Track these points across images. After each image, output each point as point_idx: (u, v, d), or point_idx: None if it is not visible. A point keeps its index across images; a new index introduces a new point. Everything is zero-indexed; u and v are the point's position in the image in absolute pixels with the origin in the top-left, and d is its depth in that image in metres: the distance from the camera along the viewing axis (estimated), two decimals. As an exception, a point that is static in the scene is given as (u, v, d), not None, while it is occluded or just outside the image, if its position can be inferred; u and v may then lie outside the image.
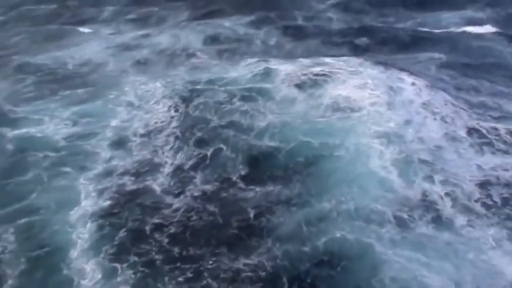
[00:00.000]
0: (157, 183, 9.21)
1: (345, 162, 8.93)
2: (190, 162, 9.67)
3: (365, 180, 8.43)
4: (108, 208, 8.64)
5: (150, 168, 9.68)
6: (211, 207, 8.45)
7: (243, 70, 13.36)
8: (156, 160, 9.88)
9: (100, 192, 9.07)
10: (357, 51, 16.17)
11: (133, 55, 16.86)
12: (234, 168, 9.30)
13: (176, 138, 10.49)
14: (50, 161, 10.17)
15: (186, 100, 11.92)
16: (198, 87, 12.49)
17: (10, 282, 7.30)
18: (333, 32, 19.26)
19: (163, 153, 10.05)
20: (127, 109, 12.05)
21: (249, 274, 7.23)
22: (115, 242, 7.83)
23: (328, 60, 13.57)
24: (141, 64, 15.77)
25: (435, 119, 10.11)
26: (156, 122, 11.14)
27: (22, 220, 8.47)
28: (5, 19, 38.63)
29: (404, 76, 11.96)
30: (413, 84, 11.47)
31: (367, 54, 15.29)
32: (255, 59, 15.14)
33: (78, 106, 12.40)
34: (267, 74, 12.62)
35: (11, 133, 11.38)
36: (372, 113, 10.26)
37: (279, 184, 8.81)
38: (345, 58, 13.81)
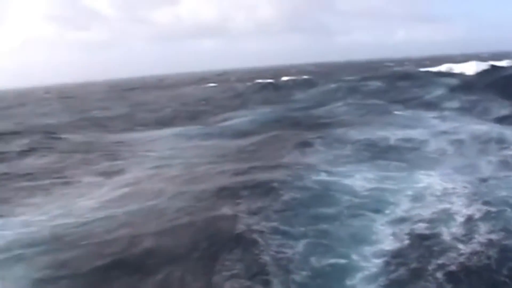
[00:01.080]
0: (449, 231, 10.12)
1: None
2: (478, 215, 10.58)
3: None
4: (398, 249, 9.64)
5: (443, 218, 10.76)
6: (490, 252, 9.04)
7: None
8: (449, 212, 11.01)
9: (393, 235, 10.26)
10: None
11: (450, 138, 18.58)
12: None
13: (466, 198, 11.57)
14: (351, 203, 11.97)
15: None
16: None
17: (297, 278, 8.62)
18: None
19: (456, 208, 11.18)
20: (428, 176, 13.89)
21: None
22: (394, 277, 8.68)
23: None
24: (455, 147, 17.41)
25: None
26: (453, 188, 12.54)
27: (313, 240, 9.95)
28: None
29: None
30: None
31: None
32: None
33: (387, 173, 14.53)
34: None
35: (322, 178, 13.75)
36: None
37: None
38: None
